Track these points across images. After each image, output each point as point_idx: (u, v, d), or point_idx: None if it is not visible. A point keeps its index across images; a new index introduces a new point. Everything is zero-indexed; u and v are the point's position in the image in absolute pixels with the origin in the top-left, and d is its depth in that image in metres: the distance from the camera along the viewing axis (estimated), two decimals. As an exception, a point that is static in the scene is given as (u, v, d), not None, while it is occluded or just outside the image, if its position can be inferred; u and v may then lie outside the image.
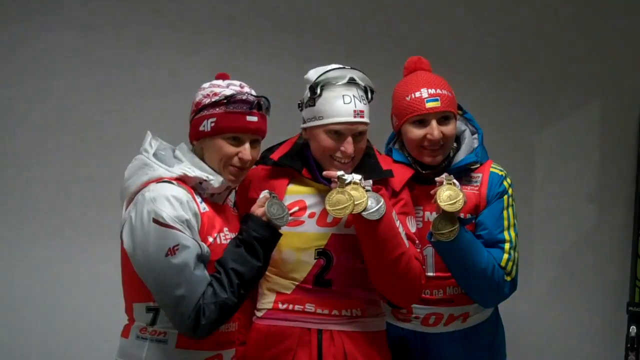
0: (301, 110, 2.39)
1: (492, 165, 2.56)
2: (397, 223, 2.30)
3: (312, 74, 2.35)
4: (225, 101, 2.18)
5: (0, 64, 3.37)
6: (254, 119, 2.20)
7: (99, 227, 3.37)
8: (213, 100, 2.19)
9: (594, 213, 3.98)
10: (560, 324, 3.88)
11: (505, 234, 2.47)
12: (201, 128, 2.19)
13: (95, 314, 3.36)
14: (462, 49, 3.83)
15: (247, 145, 2.19)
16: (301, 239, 2.35)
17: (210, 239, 2.15)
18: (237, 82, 2.25)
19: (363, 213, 2.23)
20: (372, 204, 2.24)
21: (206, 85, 2.25)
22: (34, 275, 3.39)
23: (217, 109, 2.18)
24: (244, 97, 2.19)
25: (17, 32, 3.38)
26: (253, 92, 2.24)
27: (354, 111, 2.29)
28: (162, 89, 3.49)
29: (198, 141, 2.23)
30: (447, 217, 2.34)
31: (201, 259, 2.09)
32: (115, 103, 3.47)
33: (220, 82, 2.25)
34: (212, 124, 2.18)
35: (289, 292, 2.37)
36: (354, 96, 2.30)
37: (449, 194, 2.31)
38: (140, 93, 3.49)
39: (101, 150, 3.44)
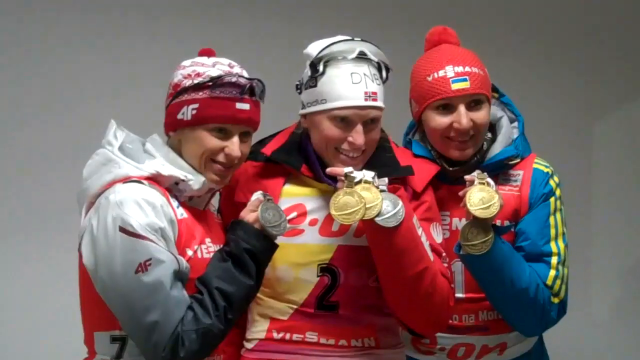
0: (300, 92, 2.19)
1: (536, 160, 2.37)
2: (419, 231, 2.11)
3: (314, 48, 2.15)
4: (210, 83, 1.99)
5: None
6: (245, 106, 2.01)
7: (54, 238, 3.31)
8: (195, 82, 2.00)
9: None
10: (623, 355, 3.66)
11: (552, 245, 2.29)
12: (179, 116, 2.01)
13: (48, 344, 3.29)
14: (497, 17, 3.63)
15: (235, 139, 2.01)
16: (300, 252, 2.17)
17: (190, 252, 1.99)
18: (226, 61, 2.06)
19: (377, 219, 2.03)
20: (387, 207, 2.05)
21: (187, 63, 2.05)
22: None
23: (200, 93, 2.00)
24: (234, 80, 2.00)
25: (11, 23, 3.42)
26: (245, 74, 2.05)
27: (365, 93, 2.09)
28: (141, 76, 3.51)
29: (175, 132, 2.05)
30: (479, 224, 2.14)
31: (179, 276, 1.93)
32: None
33: (204, 59, 2.05)
34: (194, 112, 2.00)
35: (285, 318, 2.19)
36: (364, 74, 2.11)
37: (481, 197, 2.12)
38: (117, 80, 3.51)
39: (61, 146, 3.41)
